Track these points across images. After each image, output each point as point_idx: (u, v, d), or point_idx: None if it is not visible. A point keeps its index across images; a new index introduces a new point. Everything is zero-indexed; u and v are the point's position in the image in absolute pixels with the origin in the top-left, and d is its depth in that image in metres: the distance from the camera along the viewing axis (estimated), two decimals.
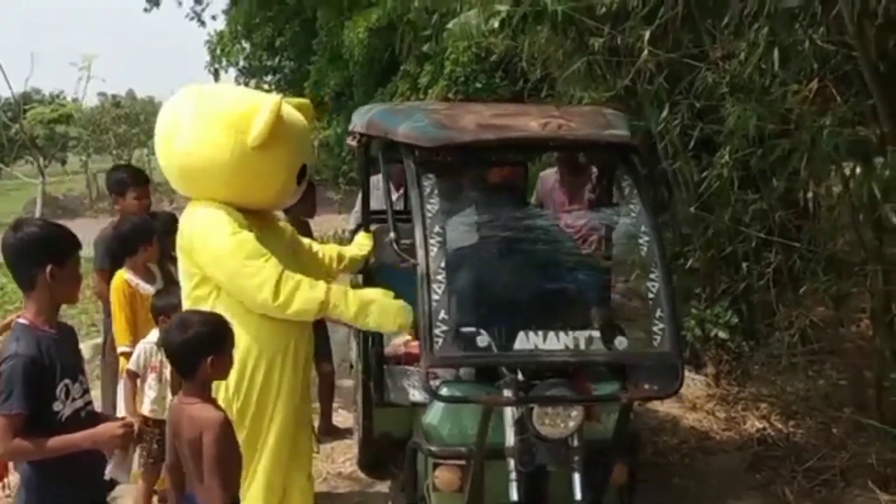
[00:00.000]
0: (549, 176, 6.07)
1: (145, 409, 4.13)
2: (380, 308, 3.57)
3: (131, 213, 4.78)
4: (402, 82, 17.24)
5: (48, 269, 2.71)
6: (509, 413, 3.27)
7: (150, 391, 4.14)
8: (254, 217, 3.67)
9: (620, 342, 3.23)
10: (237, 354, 3.46)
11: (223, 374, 2.96)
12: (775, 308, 5.99)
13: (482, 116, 3.64)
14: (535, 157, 5.00)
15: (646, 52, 5.42)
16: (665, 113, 5.66)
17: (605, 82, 6.19)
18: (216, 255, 3.47)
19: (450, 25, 8.27)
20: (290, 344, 3.66)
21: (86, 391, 2.88)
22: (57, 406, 2.72)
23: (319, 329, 5.30)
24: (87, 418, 2.85)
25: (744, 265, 6.07)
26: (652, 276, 3.26)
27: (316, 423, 5.67)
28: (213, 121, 3.55)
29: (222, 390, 3.46)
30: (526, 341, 3.20)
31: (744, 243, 5.94)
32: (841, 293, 5.53)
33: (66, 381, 2.75)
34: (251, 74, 26.48)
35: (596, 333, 3.22)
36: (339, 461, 5.31)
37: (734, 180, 5.71)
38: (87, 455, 2.79)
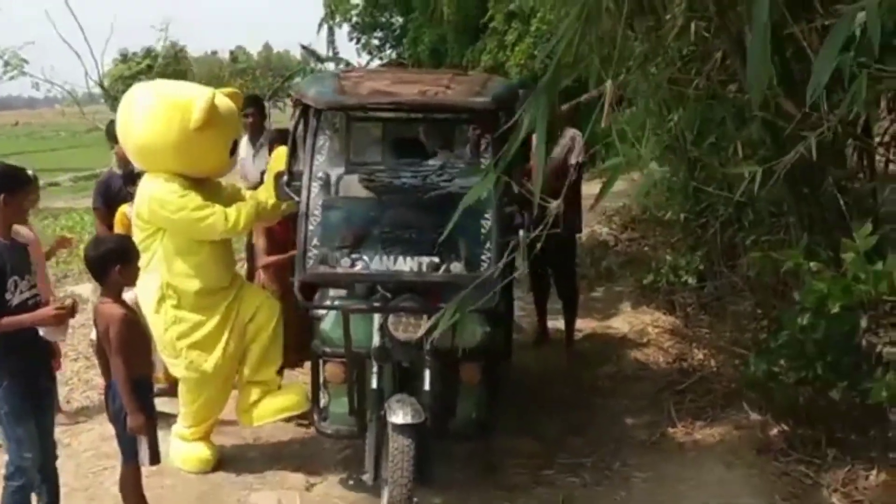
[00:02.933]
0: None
1: None
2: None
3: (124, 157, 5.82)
4: (490, 40, 17.82)
5: (2, 197, 3.74)
6: (376, 321, 4.14)
7: None
8: (196, 182, 4.59)
9: (455, 267, 4.05)
10: (187, 277, 4.51)
11: (131, 281, 3.96)
12: (720, 257, 6.59)
13: (382, 84, 4.48)
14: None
15: None
16: None
17: None
18: (172, 212, 4.43)
19: None
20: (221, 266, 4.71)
21: (32, 286, 3.90)
22: (7, 296, 3.73)
23: None
24: (34, 306, 3.86)
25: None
26: (486, 215, 4.05)
27: None
28: (163, 109, 4.49)
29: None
30: (380, 264, 4.08)
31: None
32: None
33: (15, 277, 3.77)
34: (362, 30, 27.41)
35: (437, 259, 4.05)
36: None
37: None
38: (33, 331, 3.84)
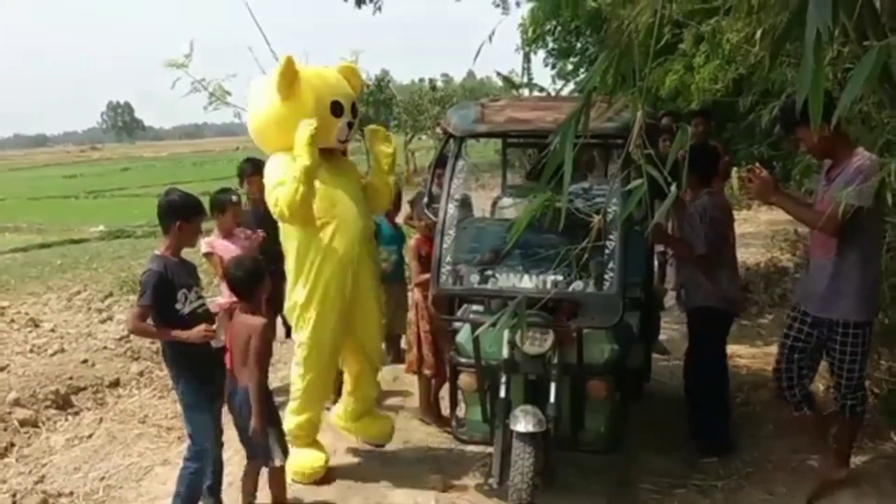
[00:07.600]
0: None
1: None
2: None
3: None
4: (677, 62, 17.57)
5: (178, 223, 4.29)
6: (506, 335, 4.39)
7: None
8: (322, 157, 4.73)
9: (577, 285, 4.24)
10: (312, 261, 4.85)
11: (267, 294, 4.45)
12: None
13: (519, 112, 4.75)
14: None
15: None
16: None
17: None
18: (269, 190, 4.79)
19: None
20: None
21: (199, 297, 4.42)
22: (178, 306, 4.27)
23: None
24: (204, 315, 4.38)
25: None
26: (611, 237, 4.22)
27: None
28: (261, 89, 4.91)
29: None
30: (507, 281, 4.33)
31: None
32: None
33: (184, 290, 4.30)
34: (558, 56, 27.58)
35: (559, 277, 4.26)
36: None
37: None
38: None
